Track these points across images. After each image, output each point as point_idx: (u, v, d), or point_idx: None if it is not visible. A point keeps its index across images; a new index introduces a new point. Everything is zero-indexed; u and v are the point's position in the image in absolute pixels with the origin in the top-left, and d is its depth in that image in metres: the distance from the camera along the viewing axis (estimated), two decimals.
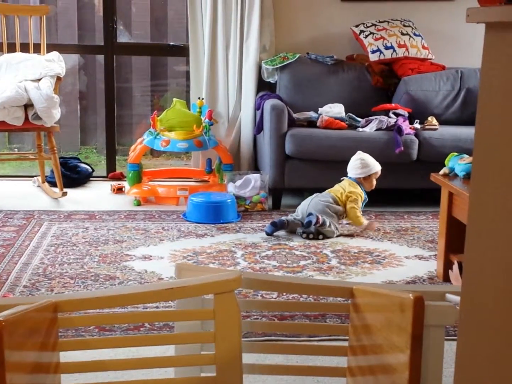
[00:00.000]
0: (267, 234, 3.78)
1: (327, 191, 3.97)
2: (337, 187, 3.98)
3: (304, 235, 3.74)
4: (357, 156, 3.98)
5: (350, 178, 3.98)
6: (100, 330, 2.51)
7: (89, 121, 6.09)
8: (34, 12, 4.70)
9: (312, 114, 4.54)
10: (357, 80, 4.78)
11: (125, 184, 4.74)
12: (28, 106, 4.26)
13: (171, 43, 5.21)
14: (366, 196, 3.97)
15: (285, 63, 4.75)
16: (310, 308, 2.52)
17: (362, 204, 3.96)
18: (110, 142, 5.24)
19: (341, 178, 4.01)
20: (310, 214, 3.76)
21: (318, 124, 4.43)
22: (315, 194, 3.96)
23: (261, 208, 4.31)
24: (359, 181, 3.95)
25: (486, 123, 1.23)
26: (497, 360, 1.21)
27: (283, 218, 3.86)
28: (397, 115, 4.47)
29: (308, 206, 3.88)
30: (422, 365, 1.62)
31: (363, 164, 3.94)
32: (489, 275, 1.25)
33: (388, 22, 4.87)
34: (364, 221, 3.89)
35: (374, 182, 3.98)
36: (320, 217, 3.74)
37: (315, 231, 3.73)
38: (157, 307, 2.72)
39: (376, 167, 3.97)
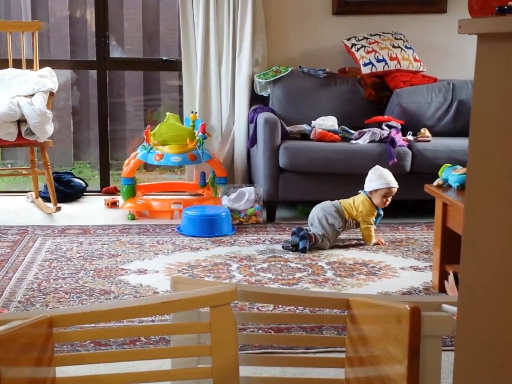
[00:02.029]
0: (292, 246, 3.74)
1: (338, 200, 3.95)
2: (350, 199, 3.93)
3: (294, 248, 3.73)
4: (371, 169, 3.96)
5: (364, 192, 3.93)
6: (96, 344, 2.49)
7: (82, 136, 6.09)
8: (26, 28, 4.71)
9: (305, 126, 4.55)
10: (350, 93, 4.80)
11: (119, 198, 4.74)
12: (21, 121, 4.27)
13: (164, 58, 5.22)
14: (380, 211, 3.92)
15: (277, 76, 4.77)
16: (306, 320, 2.51)
17: (377, 219, 3.94)
18: (104, 156, 5.24)
19: (358, 191, 3.97)
20: (303, 237, 3.73)
21: (311, 136, 4.44)
22: (324, 202, 3.95)
23: (256, 221, 4.31)
24: (370, 196, 3.91)
25: (479, 133, 1.24)
26: (495, 370, 1.21)
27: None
28: (390, 127, 4.49)
29: (313, 213, 3.92)
30: (420, 376, 1.62)
31: (369, 178, 3.91)
32: (486, 284, 1.26)
33: (380, 35, 4.90)
34: (374, 240, 3.89)
35: (384, 200, 3.86)
36: (312, 236, 3.75)
37: (292, 243, 3.75)
38: (153, 321, 2.71)
39: (382, 184, 3.85)
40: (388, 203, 3.91)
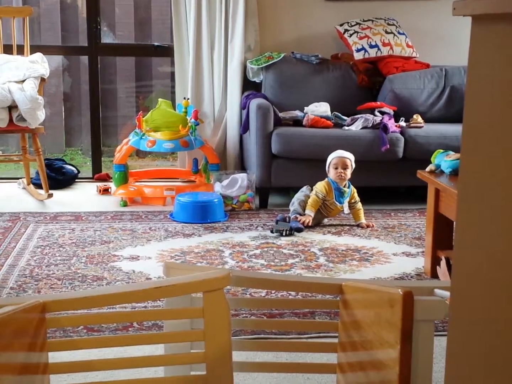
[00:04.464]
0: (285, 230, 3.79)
1: None
2: None
3: (284, 233, 3.74)
4: None
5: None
6: (88, 330, 2.49)
7: (74, 122, 6.07)
8: (17, 14, 4.67)
9: (298, 113, 4.54)
10: (342, 79, 4.79)
11: (111, 185, 4.72)
12: (12, 107, 4.24)
13: (156, 44, 5.20)
14: (340, 186, 3.96)
15: (270, 62, 4.75)
16: (299, 305, 2.52)
17: (340, 197, 3.96)
18: (96, 143, 5.22)
19: None
20: (290, 226, 3.82)
21: (304, 123, 4.43)
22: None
23: (248, 207, 4.31)
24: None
25: (473, 115, 1.23)
26: (488, 354, 1.21)
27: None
28: (382, 113, 4.48)
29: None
30: (412, 360, 1.62)
31: None
32: (479, 269, 1.26)
33: (372, 21, 4.88)
34: (310, 211, 3.92)
35: (338, 172, 3.93)
36: (297, 216, 3.87)
37: (287, 228, 3.77)
38: (145, 306, 2.71)
39: (332, 155, 3.98)
40: (344, 176, 3.95)
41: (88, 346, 1.99)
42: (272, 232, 3.76)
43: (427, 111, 4.67)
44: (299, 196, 4.03)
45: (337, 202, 3.96)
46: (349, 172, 3.96)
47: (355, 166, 4.01)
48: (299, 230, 3.81)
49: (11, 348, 1.57)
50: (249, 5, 4.83)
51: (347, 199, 3.99)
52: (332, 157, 3.98)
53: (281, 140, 4.23)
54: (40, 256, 3.36)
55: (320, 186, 3.98)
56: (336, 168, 3.95)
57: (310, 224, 3.88)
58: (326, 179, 4.00)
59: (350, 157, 3.98)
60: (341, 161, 3.95)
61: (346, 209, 3.98)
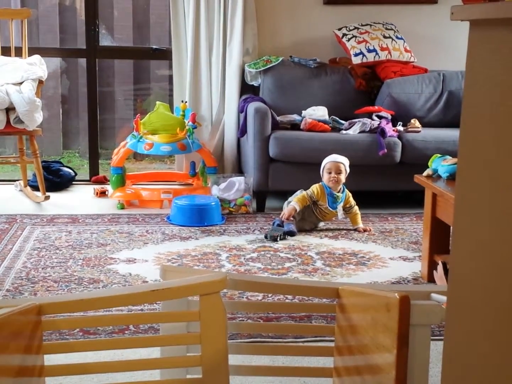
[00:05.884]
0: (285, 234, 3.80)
1: None
2: None
3: (278, 238, 3.73)
4: None
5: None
6: (85, 333, 2.49)
7: (71, 125, 6.06)
8: (15, 16, 4.67)
9: (295, 116, 4.55)
10: (340, 83, 4.80)
11: (109, 187, 4.72)
12: (9, 109, 4.23)
13: (154, 47, 5.20)
14: (334, 192, 3.95)
15: (268, 66, 4.76)
16: (295, 309, 2.51)
17: (334, 203, 3.96)
18: (93, 146, 5.21)
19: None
20: (288, 229, 3.83)
21: (301, 126, 4.43)
22: None
23: (245, 211, 4.31)
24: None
25: (471, 120, 1.23)
26: (484, 358, 1.21)
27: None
28: (380, 117, 4.49)
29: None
30: (409, 365, 1.62)
31: None
32: (475, 274, 1.26)
33: (371, 25, 4.89)
34: (296, 205, 3.92)
35: (332, 177, 3.91)
36: (289, 212, 3.87)
37: (281, 232, 3.78)
38: (142, 309, 2.70)
39: (325, 160, 3.97)
40: (337, 181, 3.93)
41: (84, 349, 1.99)
42: (266, 238, 3.75)
43: (425, 115, 4.68)
44: (290, 199, 4.04)
45: (330, 208, 3.96)
46: (343, 177, 3.95)
47: (352, 170, 4.00)
48: (291, 234, 3.80)
49: (7, 350, 1.57)
50: (248, 8, 4.83)
51: (341, 204, 3.98)
52: (326, 162, 3.98)
53: (278, 143, 4.23)
54: (36, 258, 3.35)
55: (313, 187, 3.98)
56: (330, 173, 3.94)
57: (293, 214, 3.88)
58: (320, 183, 3.99)
59: (344, 161, 3.96)
60: (334, 166, 3.94)
61: (340, 215, 3.97)
